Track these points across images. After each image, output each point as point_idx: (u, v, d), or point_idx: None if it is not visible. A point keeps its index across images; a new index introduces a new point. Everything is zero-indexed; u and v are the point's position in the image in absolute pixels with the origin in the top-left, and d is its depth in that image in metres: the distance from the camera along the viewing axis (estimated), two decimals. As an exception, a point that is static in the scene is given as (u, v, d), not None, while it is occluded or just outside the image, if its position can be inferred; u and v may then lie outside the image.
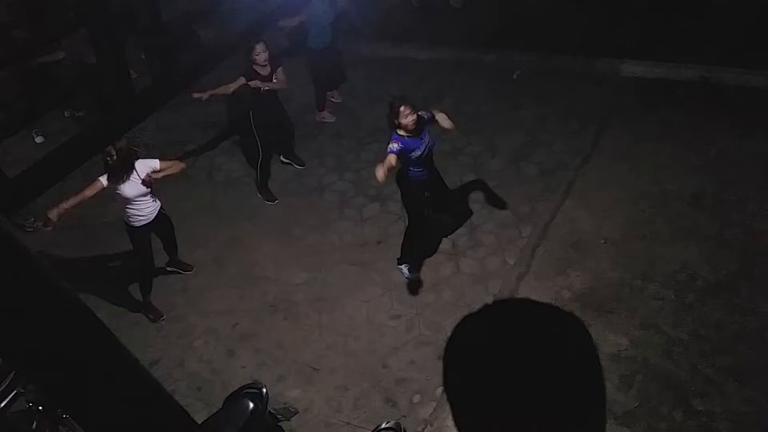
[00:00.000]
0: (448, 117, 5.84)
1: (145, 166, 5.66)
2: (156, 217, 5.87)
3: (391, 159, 5.49)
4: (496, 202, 7.09)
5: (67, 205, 5.45)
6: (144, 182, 5.63)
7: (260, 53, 6.82)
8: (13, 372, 4.33)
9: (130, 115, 8.63)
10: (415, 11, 10.68)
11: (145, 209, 5.76)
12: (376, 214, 7.20)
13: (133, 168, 5.59)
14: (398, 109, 5.50)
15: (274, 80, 7.01)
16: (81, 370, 1.29)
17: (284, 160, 7.96)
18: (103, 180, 5.50)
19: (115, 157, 5.45)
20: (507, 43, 9.44)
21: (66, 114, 8.88)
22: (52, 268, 1.23)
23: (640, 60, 8.87)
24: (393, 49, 9.90)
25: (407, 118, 5.49)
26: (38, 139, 8.49)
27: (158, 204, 5.88)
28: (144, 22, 8.88)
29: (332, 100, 9.07)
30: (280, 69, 7.03)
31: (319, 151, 8.14)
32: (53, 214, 5.42)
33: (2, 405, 4.42)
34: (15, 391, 4.47)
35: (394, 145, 5.52)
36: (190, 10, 9.91)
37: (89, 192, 5.49)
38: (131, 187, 5.59)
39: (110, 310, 6.19)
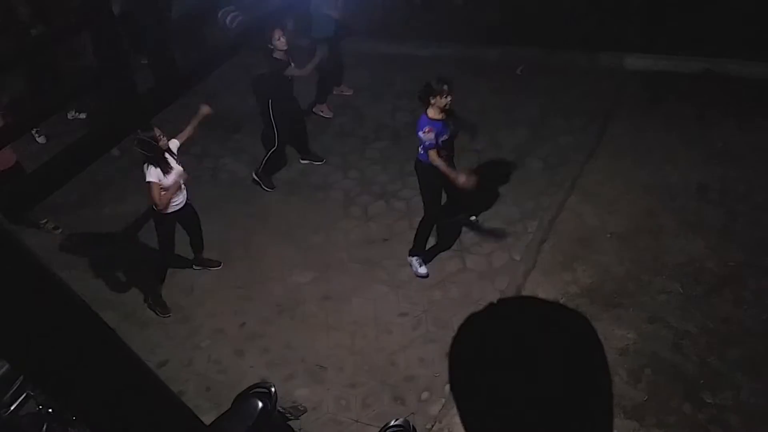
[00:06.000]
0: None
1: (173, 145, 5.83)
2: (185, 205, 5.96)
3: (435, 156, 5.60)
4: (501, 198, 7.08)
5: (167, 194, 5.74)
6: (179, 162, 5.80)
7: (280, 38, 6.85)
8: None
9: (133, 116, 8.66)
10: (416, 8, 10.66)
11: (179, 197, 5.87)
12: (382, 212, 7.19)
13: (171, 149, 5.76)
14: (442, 89, 5.50)
15: (293, 65, 7.08)
16: (85, 373, 1.29)
17: (303, 161, 7.97)
18: (154, 177, 5.60)
19: (162, 139, 5.60)
20: (509, 39, 9.43)
21: (69, 116, 8.90)
22: (56, 269, 1.23)
23: (644, 53, 8.84)
24: (395, 46, 9.89)
25: (446, 97, 5.53)
26: (41, 140, 8.53)
27: (186, 193, 5.96)
28: (146, 22, 8.91)
29: (344, 94, 9.06)
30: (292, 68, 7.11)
31: (324, 150, 8.14)
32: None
33: (13, 407, 4.44)
34: (25, 394, 4.49)
35: (430, 135, 5.56)
36: (193, 10, 9.93)
37: (156, 195, 5.64)
38: (173, 171, 5.72)
39: (118, 311, 6.20)
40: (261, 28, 7.62)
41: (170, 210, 5.86)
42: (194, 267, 6.65)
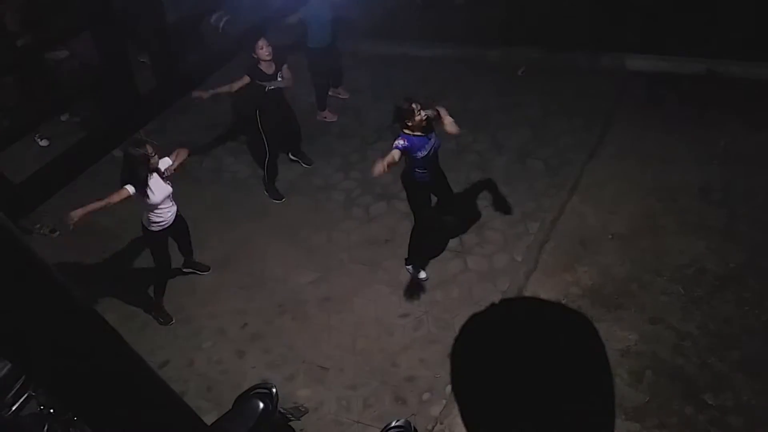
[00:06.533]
0: (453, 120, 5.83)
1: (164, 164, 5.72)
2: (174, 220, 5.89)
3: (395, 154, 5.48)
4: (502, 199, 7.08)
5: (90, 207, 5.41)
6: (168, 181, 5.69)
7: (263, 47, 6.84)
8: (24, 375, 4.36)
9: (134, 118, 8.67)
10: (417, 8, 10.67)
11: (167, 213, 5.79)
12: (383, 213, 7.20)
13: (159, 169, 5.66)
14: (411, 108, 5.47)
15: (279, 78, 7.02)
16: (89, 373, 1.29)
17: (292, 157, 7.98)
18: (130, 188, 5.47)
19: (155, 156, 5.52)
20: (511, 39, 9.42)
21: (63, 118, 8.90)
22: (58, 271, 1.23)
23: (646, 54, 8.83)
24: (396, 47, 9.89)
25: (420, 113, 5.49)
26: (43, 143, 8.53)
27: (175, 207, 5.89)
28: (147, 24, 8.92)
29: (339, 96, 9.07)
30: (285, 67, 7.06)
31: (325, 151, 8.15)
32: (76, 215, 5.32)
33: (14, 408, 4.45)
34: (26, 394, 4.49)
35: (400, 142, 5.51)
36: (194, 11, 9.93)
37: (116, 198, 5.45)
38: (159, 190, 5.62)
39: (120, 312, 6.21)
40: (260, 28, 7.64)
41: (161, 228, 5.82)
42: (183, 270, 6.60)
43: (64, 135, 8.54)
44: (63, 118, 8.90)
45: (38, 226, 7.22)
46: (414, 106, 5.49)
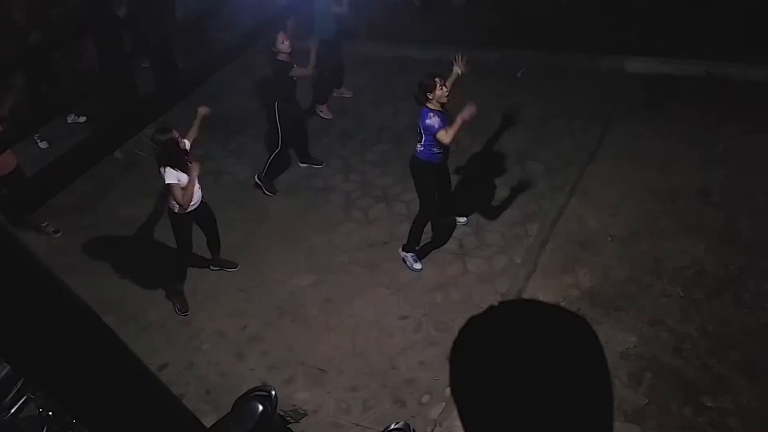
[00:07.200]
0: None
1: (186, 146, 5.87)
2: (200, 203, 5.97)
3: (445, 134, 5.63)
4: (502, 200, 7.08)
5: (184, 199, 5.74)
6: (195, 162, 5.83)
7: (284, 41, 6.85)
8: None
9: (136, 119, 8.67)
10: (417, 11, 10.67)
11: (196, 195, 5.88)
12: (383, 215, 7.20)
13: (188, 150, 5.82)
14: (434, 81, 5.61)
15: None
16: (87, 375, 1.29)
17: (302, 164, 7.97)
18: (173, 179, 5.62)
19: (181, 140, 5.66)
20: (510, 42, 9.43)
21: (69, 120, 8.91)
22: (58, 272, 1.23)
23: (645, 56, 8.84)
24: (395, 49, 9.90)
25: (442, 88, 5.62)
26: (42, 145, 8.53)
27: (200, 192, 5.97)
28: (151, 29, 8.93)
29: (343, 96, 9.07)
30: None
31: (325, 153, 8.14)
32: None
33: (13, 410, 4.44)
34: (25, 397, 4.49)
35: (435, 120, 5.61)
36: (197, 12, 9.93)
37: (179, 195, 5.68)
38: (190, 170, 5.75)
39: (119, 314, 6.20)
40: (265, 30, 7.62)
41: (188, 209, 5.88)
42: (211, 268, 6.65)
43: (64, 137, 8.53)
44: (69, 119, 8.91)
45: (45, 224, 7.22)
46: (437, 80, 5.61)
